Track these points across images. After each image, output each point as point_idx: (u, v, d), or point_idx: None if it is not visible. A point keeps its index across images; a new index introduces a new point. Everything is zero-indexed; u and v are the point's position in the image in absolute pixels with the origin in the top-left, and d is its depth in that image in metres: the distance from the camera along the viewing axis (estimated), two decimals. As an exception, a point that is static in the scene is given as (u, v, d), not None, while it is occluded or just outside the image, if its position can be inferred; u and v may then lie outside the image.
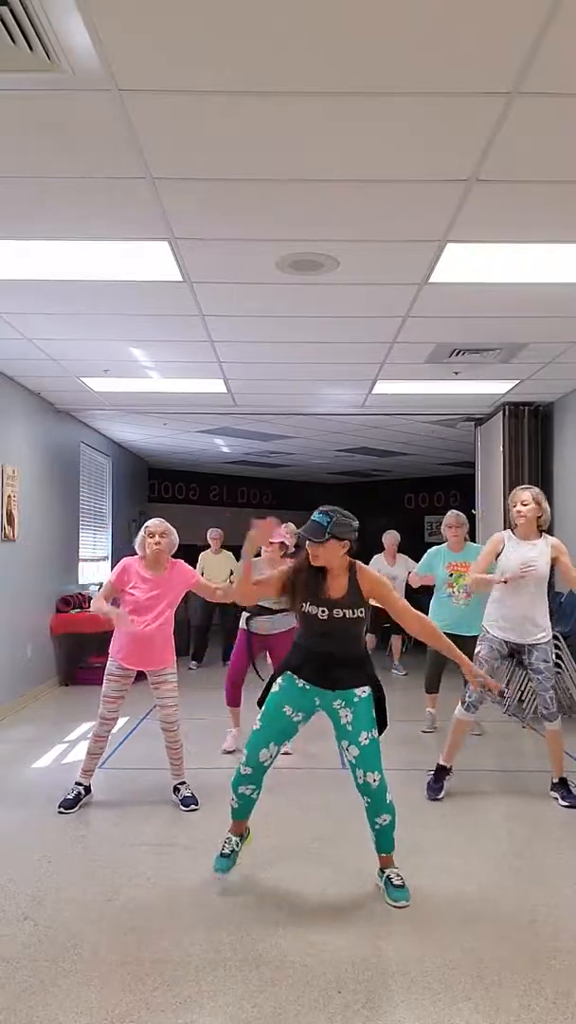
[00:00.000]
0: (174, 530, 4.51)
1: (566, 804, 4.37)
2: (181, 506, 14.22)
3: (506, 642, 4.50)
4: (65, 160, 3.16)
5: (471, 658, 4.71)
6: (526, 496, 4.50)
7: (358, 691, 3.30)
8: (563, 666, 6.34)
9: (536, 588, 4.44)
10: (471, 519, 6.57)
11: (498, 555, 4.52)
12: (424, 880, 3.42)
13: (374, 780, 3.23)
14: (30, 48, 2.44)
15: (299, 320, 5.28)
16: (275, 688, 3.35)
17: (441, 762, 4.59)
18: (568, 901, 3.26)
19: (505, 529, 4.71)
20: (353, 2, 2.26)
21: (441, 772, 4.58)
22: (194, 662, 9.32)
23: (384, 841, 3.32)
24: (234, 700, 5.59)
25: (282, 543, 5.23)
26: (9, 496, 6.85)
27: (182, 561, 4.57)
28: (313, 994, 2.56)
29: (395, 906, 3.18)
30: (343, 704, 3.28)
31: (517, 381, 6.97)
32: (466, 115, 2.81)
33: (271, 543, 5.19)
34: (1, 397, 6.83)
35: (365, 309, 5.05)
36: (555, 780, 4.51)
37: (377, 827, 3.29)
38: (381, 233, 3.85)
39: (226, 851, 3.39)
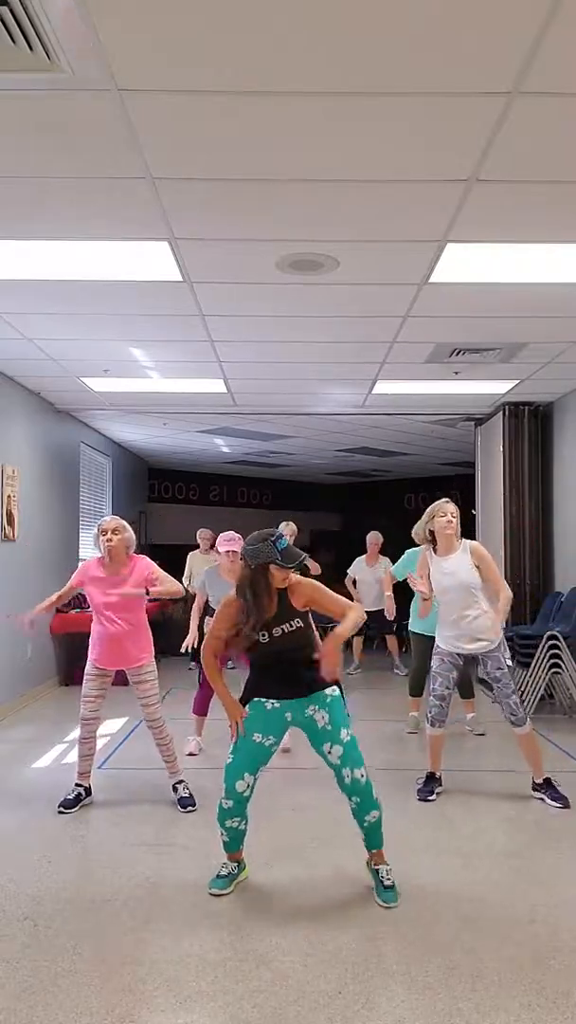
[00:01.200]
0: (129, 527, 4.47)
1: (557, 805, 4.37)
2: (181, 506, 14.22)
3: (458, 654, 4.49)
4: (65, 160, 3.16)
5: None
6: (453, 508, 4.46)
7: (328, 691, 3.30)
8: (563, 666, 6.34)
9: (466, 599, 4.38)
10: (471, 519, 6.57)
11: (428, 575, 4.52)
12: (424, 880, 3.42)
13: (361, 776, 3.22)
14: (30, 48, 2.44)
15: (299, 320, 5.28)
16: (244, 714, 3.34)
17: (429, 770, 4.62)
18: (568, 901, 3.26)
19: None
20: (353, 2, 2.26)
21: (430, 779, 4.60)
22: (193, 662, 9.32)
23: (374, 837, 3.32)
24: (202, 710, 5.54)
25: (233, 552, 5.17)
26: (9, 496, 6.85)
27: (145, 558, 4.51)
28: (313, 994, 2.56)
29: (384, 906, 3.18)
30: (317, 708, 3.27)
31: (517, 381, 6.97)
32: (466, 115, 2.81)
33: (229, 552, 5.17)
34: (1, 397, 6.83)
35: (365, 309, 5.05)
36: (537, 782, 4.52)
37: (366, 824, 3.28)
38: (381, 233, 3.85)
39: (223, 872, 3.37)
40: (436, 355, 6.10)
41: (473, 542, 4.53)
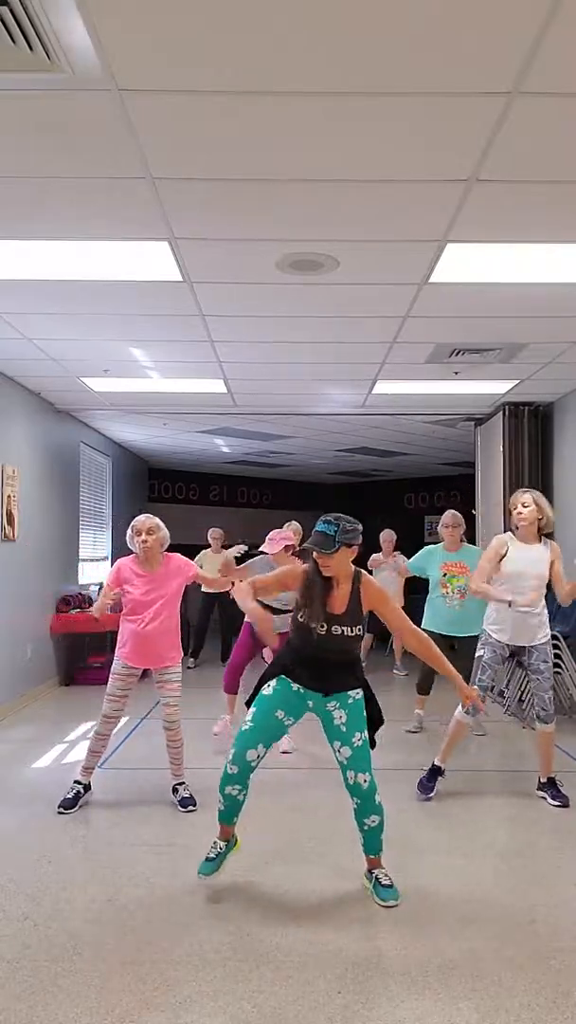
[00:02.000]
0: (163, 524, 4.47)
1: (557, 804, 4.38)
2: (181, 506, 14.22)
3: (507, 645, 4.50)
4: (65, 160, 3.16)
5: (471, 660, 4.72)
6: (527, 498, 4.49)
7: (352, 692, 3.31)
8: (563, 666, 6.33)
9: (536, 591, 4.44)
10: (471, 519, 6.57)
11: (501, 558, 4.50)
12: (424, 880, 3.42)
13: (364, 781, 3.22)
14: (30, 48, 2.44)
15: (299, 320, 5.28)
16: (268, 690, 3.33)
17: (436, 762, 4.59)
18: (568, 901, 3.26)
19: (506, 531, 4.69)
20: (353, 2, 2.26)
21: (435, 772, 4.58)
22: (192, 660, 9.33)
23: (372, 842, 3.32)
24: (232, 687, 5.66)
25: (288, 546, 5.23)
26: (9, 496, 6.85)
27: (178, 554, 4.54)
28: (313, 994, 2.56)
29: (384, 905, 3.18)
30: (337, 705, 3.28)
31: (517, 381, 6.97)
32: (466, 115, 2.81)
33: (277, 549, 5.20)
34: (1, 397, 6.83)
35: (365, 309, 5.05)
36: (543, 780, 4.53)
37: (366, 828, 3.28)
38: (381, 233, 3.85)
39: (211, 855, 3.35)
40: (436, 355, 6.10)
41: (554, 542, 4.56)
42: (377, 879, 3.28)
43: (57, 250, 4.06)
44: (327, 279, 4.44)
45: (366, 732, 3.30)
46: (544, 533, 4.51)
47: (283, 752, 5.42)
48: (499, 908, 3.19)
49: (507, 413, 7.93)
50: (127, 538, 4.47)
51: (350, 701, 3.29)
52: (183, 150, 3.07)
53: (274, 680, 3.34)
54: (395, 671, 8.99)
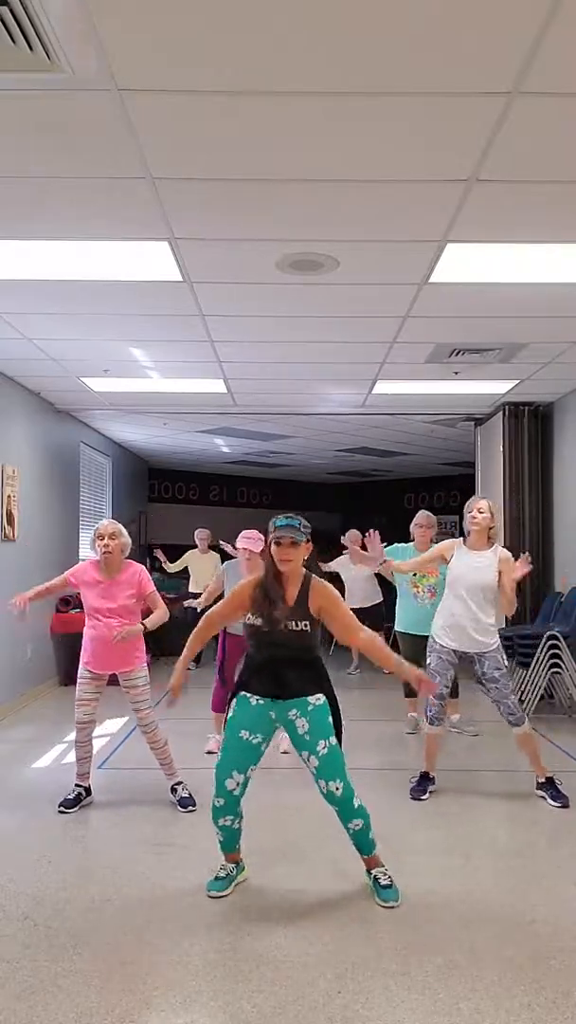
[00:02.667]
0: (125, 531, 4.45)
1: (557, 804, 4.37)
2: (181, 506, 14.23)
3: (454, 651, 4.50)
4: (65, 160, 3.16)
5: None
6: (483, 504, 4.54)
7: (311, 699, 3.26)
8: (563, 666, 6.34)
9: (483, 598, 4.42)
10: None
11: (447, 561, 4.56)
12: (424, 880, 3.42)
13: (337, 789, 3.18)
14: (30, 48, 2.44)
15: (299, 320, 5.28)
16: (230, 712, 3.32)
17: (424, 770, 4.61)
18: (568, 901, 3.26)
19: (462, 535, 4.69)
20: (353, 2, 2.26)
21: (424, 778, 4.59)
22: (193, 663, 9.33)
23: (362, 844, 3.30)
24: (219, 707, 5.55)
25: (250, 550, 5.19)
26: (9, 496, 6.85)
27: (141, 567, 4.50)
28: (313, 994, 2.56)
29: (384, 906, 3.18)
30: (298, 714, 3.24)
31: (517, 381, 6.97)
32: (466, 115, 2.81)
33: (247, 550, 5.18)
34: (1, 397, 6.83)
35: (365, 309, 5.05)
36: (540, 780, 4.53)
37: (351, 831, 3.27)
38: (381, 233, 3.85)
39: (221, 874, 3.35)
40: (436, 355, 6.09)
41: (504, 550, 4.54)
42: (376, 879, 3.28)
43: (57, 250, 4.06)
44: (327, 279, 4.44)
45: (332, 738, 3.25)
46: (492, 540, 4.53)
47: (283, 752, 5.41)
48: (499, 908, 3.19)
49: (507, 413, 7.94)
50: (91, 542, 4.47)
51: (310, 708, 3.24)
52: (183, 150, 3.07)
53: (233, 701, 3.34)
54: (383, 670, 9.00)
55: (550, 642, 6.35)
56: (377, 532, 4.73)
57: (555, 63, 2.52)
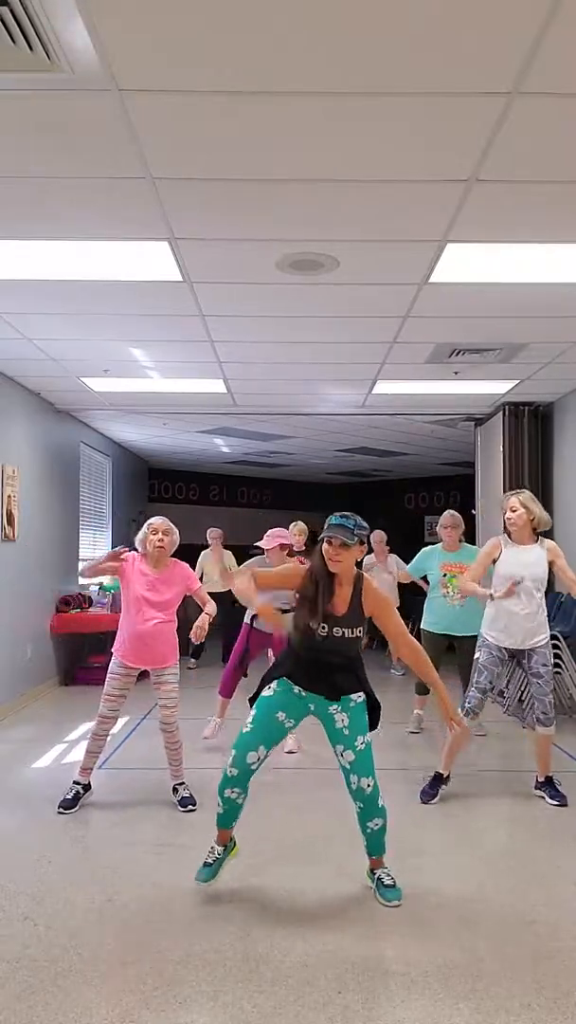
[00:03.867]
0: (176, 529, 4.51)
1: (555, 803, 4.38)
2: (181, 506, 14.21)
3: (505, 648, 4.48)
4: (65, 160, 3.16)
5: (471, 660, 4.71)
6: (514, 502, 4.49)
7: (353, 696, 3.29)
8: (563, 666, 6.33)
9: (533, 592, 4.41)
10: (471, 519, 6.57)
11: (495, 560, 4.50)
12: (424, 880, 3.42)
13: (368, 785, 3.21)
14: (30, 48, 2.44)
15: (299, 320, 5.28)
16: (268, 692, 3.31)
17: (439, 770, 4.57)
18: (568, 901, 3.26)
19: (504, 532, 4.69)
20: (353, 2, 2.26)
21: (437, 779, 4.56)
22: (193, 660, 9.34)
23: (375, 844, 3.31)
24: (227, 691, 5.64)
25: (283, 545, 5.24)
26: (9, 496, 6.85)
27: (184, 563, 4.57)
28: (313, 994, 2.56)
29: (387, 905, 3.18)
30: (339, 709, 3.26)
31: (517, 381, 6.97)
32: (466, 115, 2.81)
33: (274, 547, 5.21)
34: (1, 397, 6.83)
35: (365, 309, 5.05)
36: (540, 779, 4.53)
37: (369, 831, 3.28)
38: (381, 233, 3.85)
39: (209, 860, 3.33)
40: (436, 355, 6.09)
41: (551, 541, 4.53)
42: (380, 879, 3.28)
43: (57, 250, 4.06)
44: (327, 279, 4.44)
45: (369, 735, 3.28)
46: (540, 532, 4.49)
47: (288, 752, 5.41)
48: (499, 908, 3.19)
49: (507, 413, 7.93)
50: (139, 536, 4.49)
51: (352, 704, 3.27)
52: (183, 150, 3.07)
53: (275, 682, 3.32)
54: (392, 671, 9.01)
55: (550, 642, 6.33)
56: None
57: (555, 63, 2.52)
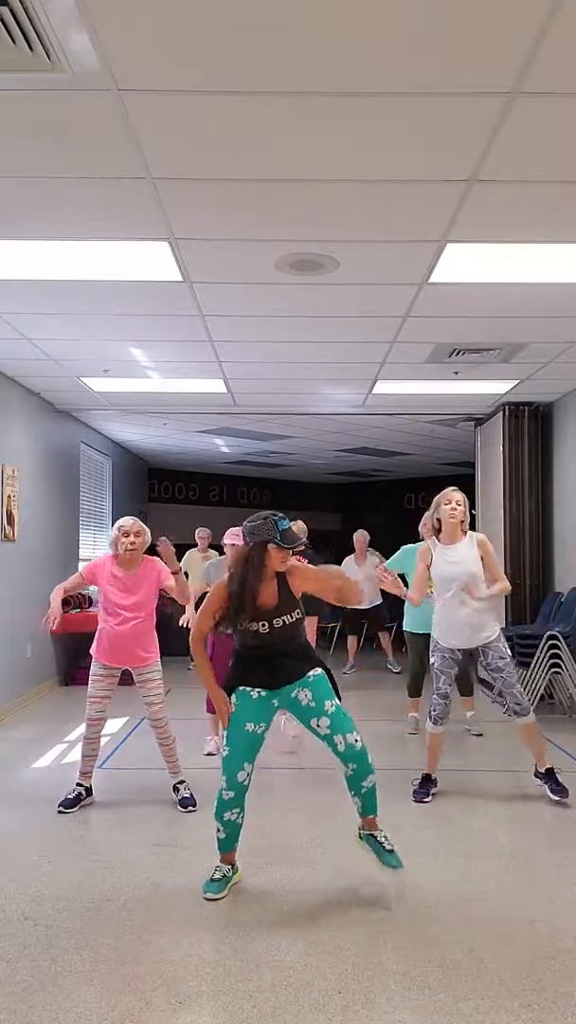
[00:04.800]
0: (147, 528, 4.51)
1: (557, 797, 4.37)
2: (181, 506, 14.21)
3: (457, 649, 4.46)
4: (65, 160, 3.16)
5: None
6: (459, 496, 4.48)
7: (310, 673, 3.31)
8: (563, 666, 6.33)
9: (471, 589, 4.38)
10: (471, 519, 6.56)
11: (428, 565, 4.49)
12: (424, 880, 3.42)
13: (355, 741, 3.21)
14: (30, 48, 2.44)
15: (299, 320, 5.28)
16: (231, 708, 3.32)
17: (425, 771, 4.59)
18: (568, 901, 3.26)
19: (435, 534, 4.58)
20: (353, 2, 2.26)
21: (426, 780, 4.57)
22: (192, 663, 9.35)
23: (370, 803, 3.30)
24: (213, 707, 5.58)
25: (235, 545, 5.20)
26: (9, 496, 6.85)
27: (156, 559, 4.53)
28: (313, 994, 2.56)
29: (392, 868, 3.20)
30: (300, 688, 3.28)
31: (517, 381, 6.97)
32: (466, 115, 2.81)
33: (234, 546, 5.18)
34: (1, 397, 6.83)
35: (365, 309, 5.05)
36: (540, 770, 4.50)
37: (364, 790, 3.26)
38: (381, 233, 3.85)
39: (216, 876, 3.33)
40: (436, 355, 6.10)
41: (479, 534, 4.52)
42: (380, 844, 3.28)
43: (57, 250, 4.06)
44: (327, 279, 4.44)
45: (336, 699, 3.29)
46: (465, 530, 4.48)
47: (293, 736, 5.40)
48: (499, 908, 3.19)
49: (507, 413, 7.93)
50: (110, 538, 4.50)
51: (311, 679, 3.29)
52: (183, 150, 3.07)
53: (233, 695, 3.34)
54: (388, 666, 9.04)
55: (550, 642, 6.35)
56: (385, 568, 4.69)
57: (555, 63, 2.52)
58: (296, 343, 5.85)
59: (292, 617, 3.27)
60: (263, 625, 3.24)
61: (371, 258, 4.19)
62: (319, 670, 3.34)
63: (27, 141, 3.01)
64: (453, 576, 4.38)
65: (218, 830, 3.34)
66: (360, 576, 8.74)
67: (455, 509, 4.43)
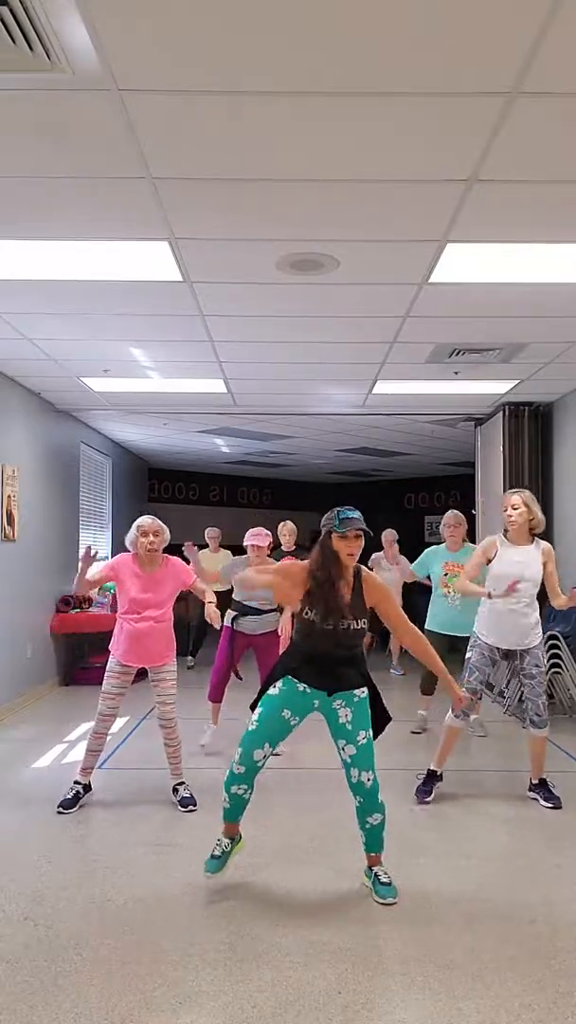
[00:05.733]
0: (166, 527, 4.52)
1: (549, 805, 4.37)
2: (181, 506, 14.22)
3: (497, 648, 4.46)
4: (65, 160, 3.16)
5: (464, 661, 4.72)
6: (516, 500, 4.46)
7: (357, 691, 3.31)
8: (563, 666, 6.34)
9: (526, 594, 4.38)
10: (471, 519, 6.56)
11: (490, 560, 4.49)
12: (424, 880, 3.43)
13: (368, 780, 3.24)
14: (30, 48, 2.44)
15: (299, 320, 5.28)
16: (274, 691, 3.32)
17: (432, 767, 4.58)
18: (568, 901, 3.26)
19: (503, 532, 4.67)
20: (353, 2, 2.26)
21: (431, 777, 4.56)
22: (191, 658, 9.34)
23: (374, 841, 3.32)
24: (216, 695, 5.60)
25: (258, 546, 5.20)
26: (9, 496, 6.85)
27: (178, 559, 4.57)
28: (313, 994, 2.56)
29: (382, 903, 3.19)
30: (343, 704, 3.28)
31: (517, 381, 6.97)
32: (466, 115, 2.81)
33: (257, 547, 5.19)
34: (1, 397, 6.83)
35: (365, 309, 5.05)
36: (534, 781, 4.52)
37: (368, 826, 3.29)
38: (381, 233, 3.85)
39: (216, 852, 3.36)
40: (436, 355, 6.10)
41: (546, 543, 4.51)
42: (377, 876, 3.28)
43: (57, 250, 4.06)
44: (327, 279, 4.44)
45: (371, 731, 3.30)
46: (535, 534, 4.47)
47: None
48: (499, 908, 3.19)
49: (507, 413, 7.93)
50: (129, 537, 4.49)
51: (355, 699, 3.29)
52: (183, 150, 3.07)
53: (280, 680, 3.33)
54: (392, 671, 9.02)
55: (550, 642, 6.35)
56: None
57: (555, 63, 2.52)
58: (296, 343, 5.85)
59: (359, 624, 3.27)
60: (332, 622, 3.22)
61: (371, 258, 4.19)
62: (365, 690, 3.33)
63: (27, 141, 3.01)
64: (512, 575, 4.35)
65: (224, 799, 3.35)
66: (387, 577, 8.61)
67: (511, 514, 4.42)
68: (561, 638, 6.33)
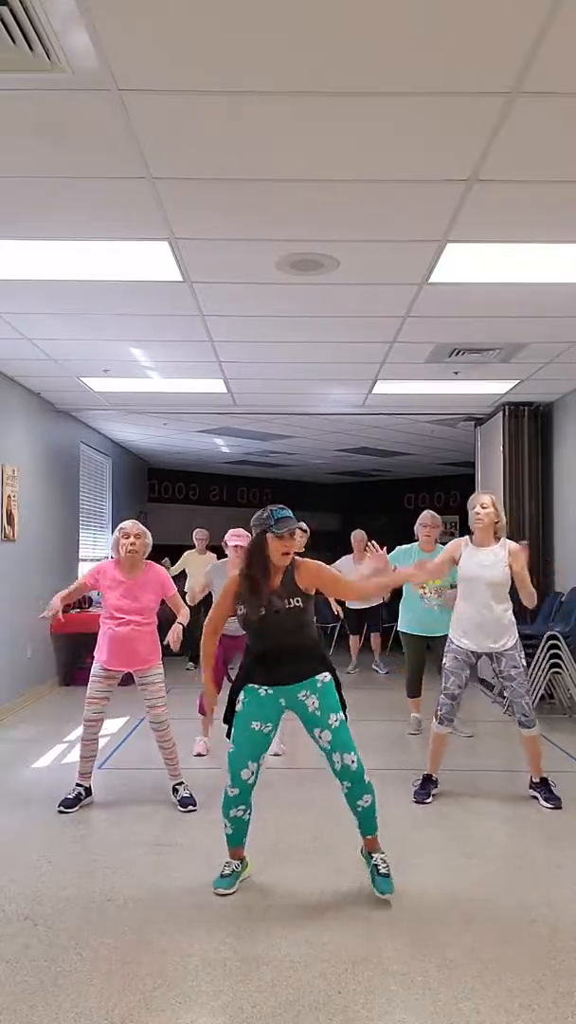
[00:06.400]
0: (148, 532, 4.52)
1: (549, 805, 4.36)
2: (181, 506, 14.21)
3: (471, 652, 4.44)
4: (65, 160, 3.16)
5: (440, 665, 4.71)
6: (486, 499, 4.48)
7: (319, 677, 3.30)
8: (563, 666, 6.34)
9: (494, 596, 4.37)
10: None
11: (456, 561, 4.49)
12: (423, 880, 3.42)
13: (352, 762, 3.22)
14: (30, 48, 2.44)
15: (299, 320, 5.28)
16: (239, 707, 3.33)
17: (426, 772, 4.59)
18: (568, 901, 3.26)
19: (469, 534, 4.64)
20: (353, 2, 2.26)
21: (427, 781, 4.57)
22: (191, 663, 9.34)
23: (368, 823, 3.30)
24: (207, 708, 5.54)
25: (239, 546, 5.19)
26: (9, 496, 6.85)
27: (160, 567, 4.58)
28: (313, 994, 2.56)
29: (380, 896, 3.18)
30: (308, 693, 3.27)
31: (517, 381, 6.97)
32: (466, 115, 2.81)
33: (236, 547, 5.17)
34: (1, 397, 6.83)
35: (365, 309, 5.05)
36: (535, 780, 4.51)
37: (360, 809, 3.26)
38: (381, 233, 3.85)
39: (226, 872, 3.35)
40: (436, 355, 6.09)
41: (513, 543, 4.50)
42: (376, 866, 3.27)
43: (57, 250, 4.06)
44: (327, 279, 4.44)
45: (342, 713, 3.29)
46: (498, 536, 4.47)
47: (273, 755, 5.39)
48: (499, 908, 3.19)
49: (507, 413, 7.93)
50: (111, 540, 4.52)
51: (319, 685, 3.29)
52: (183, 150, 3.07)
53: (241, 693, 3.35)
54: (374, 667, 9.05)
55: (550, 642, 6.35)
56: (377, 546, 4.70)
57: (555, 63, 2.52)
58: (296, 343, 5.85)
59: (291, 603, 3.26)
60: (265, 608, 3.23)
61: (371, 258, 4.19)
62: (328, 676, 3.33)
63: (27, 141, 3.01)
64: (480, 579, 4.36)
65: (225, 826, 3.35)
66: (366, 571, 8.71)
67: (479, 513, 4.42)
68: (561, 638, 6.33)
